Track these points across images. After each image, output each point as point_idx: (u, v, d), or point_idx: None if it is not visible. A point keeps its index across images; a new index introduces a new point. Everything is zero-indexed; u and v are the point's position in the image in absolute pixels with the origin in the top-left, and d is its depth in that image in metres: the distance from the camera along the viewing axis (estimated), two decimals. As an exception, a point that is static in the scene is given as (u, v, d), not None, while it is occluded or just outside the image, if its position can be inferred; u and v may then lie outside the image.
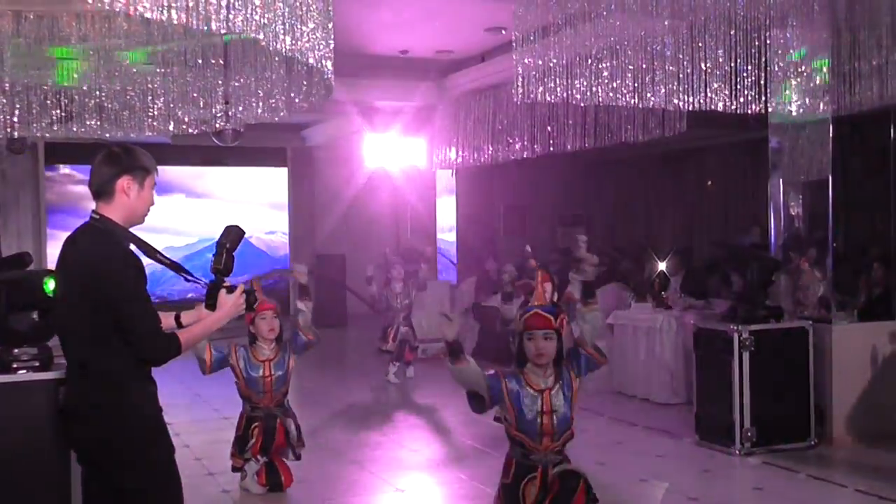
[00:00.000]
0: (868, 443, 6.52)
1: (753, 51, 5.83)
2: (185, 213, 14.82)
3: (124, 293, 2.93)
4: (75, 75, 6.90)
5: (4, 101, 7.34)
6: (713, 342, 6.45)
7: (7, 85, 7.24)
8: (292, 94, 6.02)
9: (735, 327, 6.29)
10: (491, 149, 10.16)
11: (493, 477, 4.30)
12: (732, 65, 5.80)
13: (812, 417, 6.42)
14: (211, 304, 3.07)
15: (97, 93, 6.92)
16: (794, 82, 5.96)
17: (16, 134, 7.86)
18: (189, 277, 3.18)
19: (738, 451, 6.25)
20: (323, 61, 4.75)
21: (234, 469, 5.57)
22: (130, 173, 3.05)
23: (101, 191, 3.05)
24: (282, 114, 6.37)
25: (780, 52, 5.89)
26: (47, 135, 7.66)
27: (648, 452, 6.59)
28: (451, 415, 7.69)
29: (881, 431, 6.63)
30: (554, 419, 3.97)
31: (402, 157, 12.76)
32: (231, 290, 3.09)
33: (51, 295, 3.34)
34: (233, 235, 3.09)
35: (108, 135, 7.10)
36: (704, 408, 6.58)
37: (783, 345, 6.39)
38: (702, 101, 5.83)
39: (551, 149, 9.26)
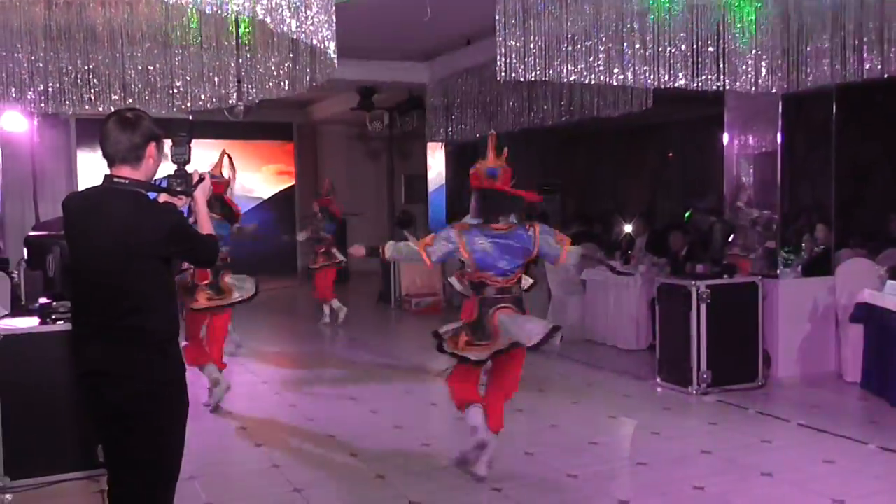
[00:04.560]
0: (809, 383, 6.61)
1: (711, 32, 5.77)
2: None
3: (189, 233, 3.03)
4: (99, 56, 6.76)
5: (40, 82, 7.23)
6: (674, 295, 6.47)
7: (40, 65, 7.11)
8: (298, 75, 5.93)
9: (694, 282, 6.31)
10: (476, 124, 10.08)
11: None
12: (693, 46, 5.74)
13: (760, 362, 6.49)
14: (192, 191, 3.20)
15: (119, 73, 6.80)
16: (747, 63, 5.91)
17: (49, 110, 7.73)
18: (177, 190, 3.21)
19: (695, 392, 6.31)
20: (326, 43, 4.67)
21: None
22: (155, 139, 3.00)
23: (130, 156, 2.91)
24: (289, 93, 6.28)
25: (735, 35, 5.82)
26: (76, 110, 7.51)
27: (616, 392, 6.64)
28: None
29: (820, 373, 6.71)
30: (507, 257, 4.44)
31: (396, 131, 12.66)
32: (201, 178, 3.23)
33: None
34: (188, 129, 3.25)
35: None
36: (666, 353, 6.63)
37: (736, 298, 6.43)
38: (666, 79, 5.77)
39: (531, 123, 9.20)
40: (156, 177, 3.16)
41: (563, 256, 4.56)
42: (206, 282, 6.00)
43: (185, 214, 3.30)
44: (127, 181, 2.93)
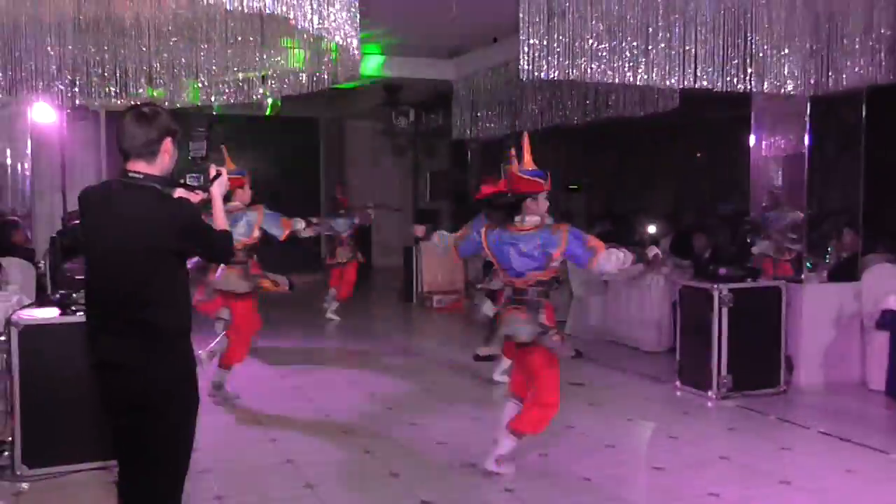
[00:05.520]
0: (832, 390, 6.49)
1: (739, 35, 5.68)
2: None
3: (203, 228, 3.01)
4: (123, 51, 6.82)
5: (68, 74, 7.31)
6: (696, 298, 6.39)
7: (70, 60, 7.20)
8: (322, 71, 5.94)
9: (716, 285, 6.22)
10: (500, 122, 10.03)
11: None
12: (720, 46, 5.65)
13: (782, 367, 6.39)
14: (208, 187, 3.22)
15: (145, 68, 6.85)
16: (775, 63, 5.81)
17: (77, 102, 7.82)
18: (194, 186, 3.24)
19: (715, 396, 6.23)
20: (349, 39, 4.66)
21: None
22: (172, 135, 3.00)
23: (145, 151, 2.91)
24: (311, 90, 6.29)
25: (762, 34, 5.72)
26: (103, 103, 7.60)
27: (635, 395, 6.58)
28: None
29: (843, 380, 6.59)
30: (524, 258, 4.40)
31: (421, 128, 12.65)
32: (217, 174, 3.25)
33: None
34: (207, 125, 3.24)
35: (158, 105, 7.05)
36: (686, 357, 6.54)
37: (759, 302, 6.34)
38: (692, 79, 5.69)
39: (556, 121, 9.13)
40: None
41: (595, 263, 4.38)
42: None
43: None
44: (142, 176, 2.93)
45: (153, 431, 2.93)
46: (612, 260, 4.36)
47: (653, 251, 4.78)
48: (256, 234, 6.12)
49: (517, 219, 4.48)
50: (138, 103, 3.16)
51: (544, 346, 4.36)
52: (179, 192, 3.18)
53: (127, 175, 2.94)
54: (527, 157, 4.53)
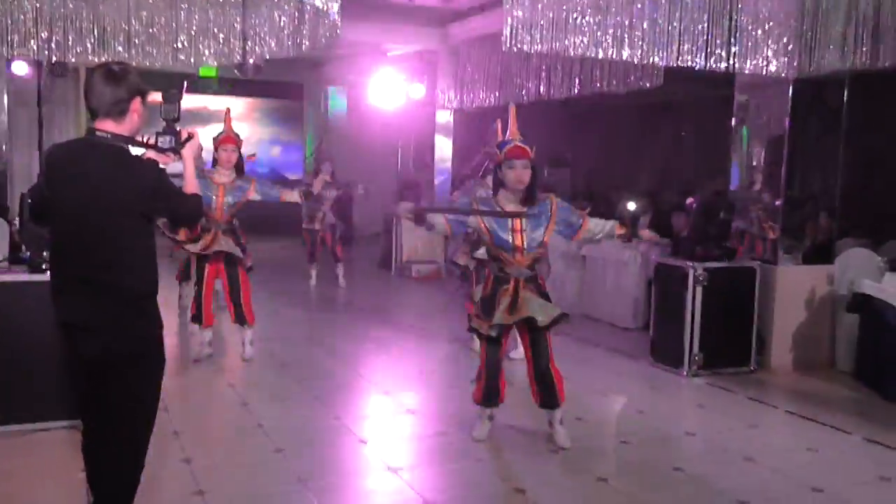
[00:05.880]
0: (801, 371, 6.57)
1: (724, 12, 5.66)
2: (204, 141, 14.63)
3: (170, 190, 2.99)
4: (100, 7, 6.69)
5: (45, 30, 7.18)
6: (671, 276, 6.43)
7: (48, 15, 7.07)
8: (302, 34, 5.86)
9: (691, 264, 6.26)
10: (486, 94, 9.98)
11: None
12: (704, 25, 5.63)
13: (753, 347, 6.46)
14: (180, 149, 3.17)
15: (124, 26, 6.73)
16: (759, 44, 5.79)
17: (54, 58, 7.69)
18: (165, 148, 3.17)
19: (686, 373, 6.29)
20: (329, 4, 4.60)
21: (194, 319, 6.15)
22: (141, 95, 2.95)
23: (114, 110, 2.87)
24: (291, 53, 6.22)
25: (748, 14, 5.71)
26: (80, 61, 7.46)
27: (608, 370, 6.63)
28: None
29: (813, 362, 6.67)
30: (525, 238, 4.32)
31: (406, 97, 12.56)
32: (189, 137, 3.19)
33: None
34: (180, 86, 3.22)
35: (135, 63, 6.94)
36: (659, 334, 6.60)
37: (733, 282, 6.38)
38: (675, 57, 5.67)
39: (541, 95, 9.10)
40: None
41: (581, 232, 4.46)
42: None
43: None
44: (109, 135, 2.90)
45: (117, 393, 2.93)
46: (597, 229, 4.48)
47: (648, 235, 4.91)
48: (252, 196, 6.11)
49: (502, 193, 4.43)
50: (110, 60, 3.11)
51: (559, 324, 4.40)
52: (150, 154, 3.14)
53: (94, 133, 2.90)
54: (513, 127, 4.51)
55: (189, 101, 13.26)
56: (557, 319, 4.43)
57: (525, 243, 4.37)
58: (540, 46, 5.32)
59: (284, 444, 4.52)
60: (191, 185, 3.18)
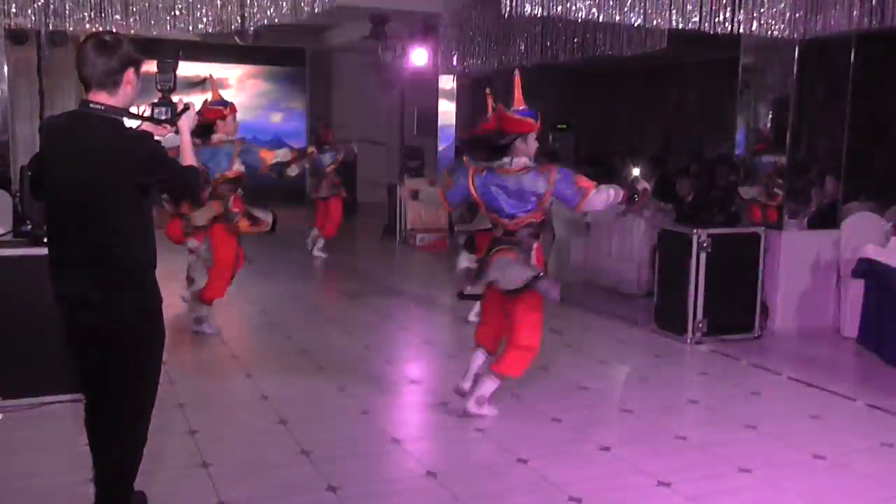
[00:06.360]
0: (805, 337, 6.56)
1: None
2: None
3: (166, 162, 2.95)
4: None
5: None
6: (675, 242, 6.39)
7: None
8: (299, 0, 5.77)
9: (695, 230, 6.22)
10: (488, 58, 9.84)
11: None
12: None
13: (757, 313, 6.43)
14: (176, 120, 3.13)
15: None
16: (764, 6, 5.67)
17: (50, 27, 7.60)
18: (161, 119, 3.15)
19: (689, 340, 6.28)
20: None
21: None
22: (135, 65, 2.90)
23: (106, 81, 2.82)
24: (291, 20, 6.12)
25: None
26: (80, 29, 7.36)
27: (611, 338, 6.63)
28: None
29: (818, 327, 6.66)
30: (514, 199, 4.32)
31: (408, 63, 12.41)
32: (186, 108, 3.16)
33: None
34: (175, 56, 3.15)
35: (133, 31, 6.85)
36: (663, 300, 6.58)
37: (737, 247, 6.34)
38: (679, 19, 5.56)
39: (545, 59, 8.96)
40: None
41: (584, 204, 4.35)
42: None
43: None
44: (103, 107, 2.85)
45: (117, 366, 2.92)
46: (602, 198, 4.35)
47: (642, 185, 4.73)
48: (236, 167, 6.00)
49: (505, 160, 4.40)
50: (102, 30, 3.06)
51: (536, 290, 4.34)
52: (146, 126, 3.10)
53: (88, 105, 2.86)
54: (518, 95, 4.43)
55: (188, 69, 13.18)
56: (525, 285, 4.33)
57: (514, 206, 4.35)
58: (540, 10, 5.22)
59: (288, 415, 4.54)
60: (188, 157, 3.14)
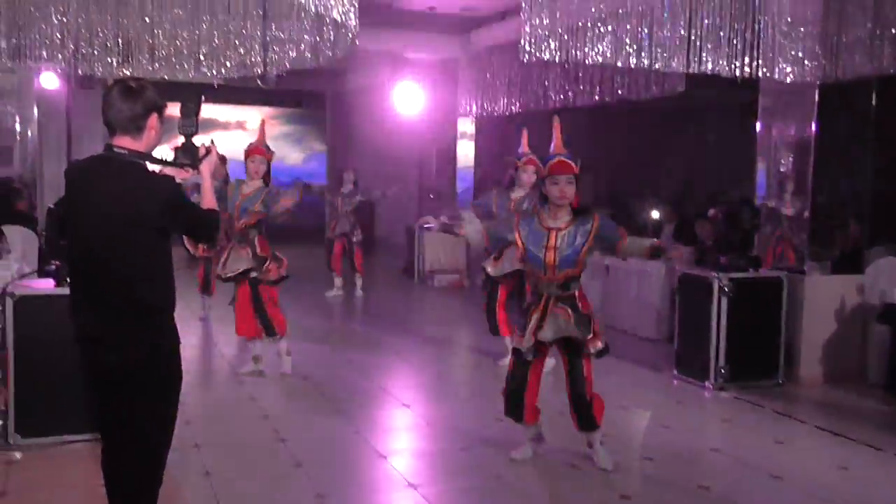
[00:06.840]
0: (831, 384, 6.42)
1: (747, 18, 5.56)
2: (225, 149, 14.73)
3: (186, 206, 3.00)
4: (124, 21, 6.76)
5: (71, 42, 7.28)
6: (696, 287, 6.32)
7: (74, 28, 7.16)
8: (322, 45, 5.86)
9: (716, 274, 6.15)
10: (507, 101, 9.94)
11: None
12: (726, 31, 5.54)
13: (781, 359, 6.32)
14: (198, 164, 3.17)
15: (148, 38, 6.79)
16: (783, 49, 5.69)
17: (80, 71, 7.79)
18: (184, 164, 3.20)
19: (711, 386, 6.17)
20: (347, 15, 4.59)
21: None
22: (158, 111, 2.96)
23: (131, 126, 2.88)
24: (310, 64, 6.23)
25: (771, 19, 5.61)
26: (106, 73, 7.54)
27: (631, 383, 6.52)
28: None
29: (843, 374, 6.52)
30: (556, 255, 4.19)
31: (427, 105, 12.55)
32: (207, 152, 3.20)
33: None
34: (197, 100, 3.19)
35: (159, 76, 7.01)
36: (684, 345, 6.49)
37: (759, 292, 6.26)
38: (698, 64, 5.59)
39: (563, 102, 9.05)
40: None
41: (619, 248, 4.38)
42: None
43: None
44: (126, 152, 2.90)
45: (134, 407, 2.92)
46: (633, 248, 4.49)
47: (677, 253, 4.81)
48: (258, 208, 6.01)
49: (546, 208, 4.30)
50: (127, 76, 3.13)
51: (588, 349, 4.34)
52: (168, 170, 3.14)
53: (111, 150, 2.91)
54: (557, 141, 4.37)
55: (209, 111, 13.41)
56: (586, 344, 4.33)
57: (557, 260, 4.22)
58: (558, 55, 5.26)
59: (305, 458, 4.49)
60: (208, 200, 3.17)
